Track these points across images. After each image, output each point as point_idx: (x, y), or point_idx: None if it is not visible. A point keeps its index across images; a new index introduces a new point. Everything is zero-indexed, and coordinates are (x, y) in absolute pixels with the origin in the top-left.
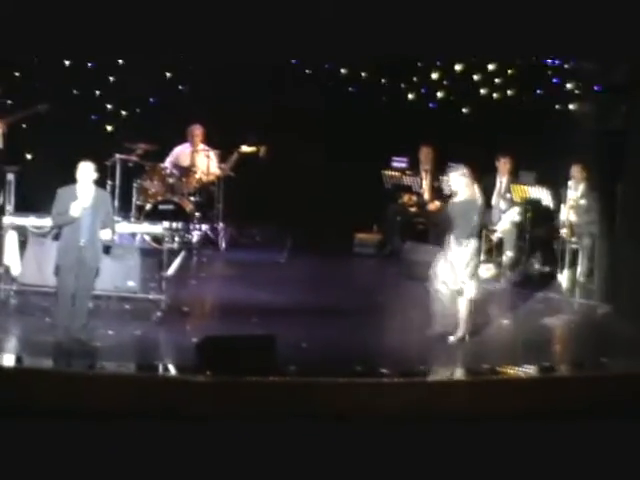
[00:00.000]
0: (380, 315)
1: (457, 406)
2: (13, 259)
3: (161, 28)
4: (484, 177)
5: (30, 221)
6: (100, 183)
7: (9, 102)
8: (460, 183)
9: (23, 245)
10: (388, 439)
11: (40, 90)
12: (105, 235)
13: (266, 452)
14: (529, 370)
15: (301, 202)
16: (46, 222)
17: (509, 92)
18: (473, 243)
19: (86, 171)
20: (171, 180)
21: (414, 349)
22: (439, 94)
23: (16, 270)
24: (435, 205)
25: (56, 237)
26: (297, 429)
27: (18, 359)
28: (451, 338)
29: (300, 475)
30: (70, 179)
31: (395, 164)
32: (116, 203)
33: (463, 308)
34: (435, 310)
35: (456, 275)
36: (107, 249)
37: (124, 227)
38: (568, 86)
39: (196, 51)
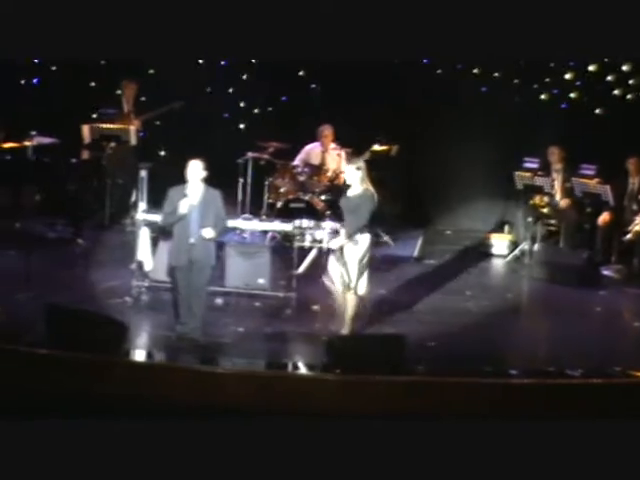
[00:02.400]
0: (510, 316)
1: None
2: (146, 255)
3: (292, 27)
4: (616, 179)
5: None
6: (232, 181)
7: (144, 99)
8: (355, 177)
9: (155, 241)
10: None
11: (174, 88)
12: (207, 233)
13: (391, 450)
14: None
15: (432, 201)
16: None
17: None
18: (365, 239)
19: (195, 169)
20: (302, 178)
21: (543, 349)
22: (572, 95)
23: (148, 266)
24: (566, 202)
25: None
26: (421, 428)
27: (148, 354)
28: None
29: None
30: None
31: (527, 165)
32: (247, 201)
33: (351, 305)
34: (335, 309)
35: (346, 272)
36: (220, 247)
37: (255, 225)
38: None
39: (328, 50)
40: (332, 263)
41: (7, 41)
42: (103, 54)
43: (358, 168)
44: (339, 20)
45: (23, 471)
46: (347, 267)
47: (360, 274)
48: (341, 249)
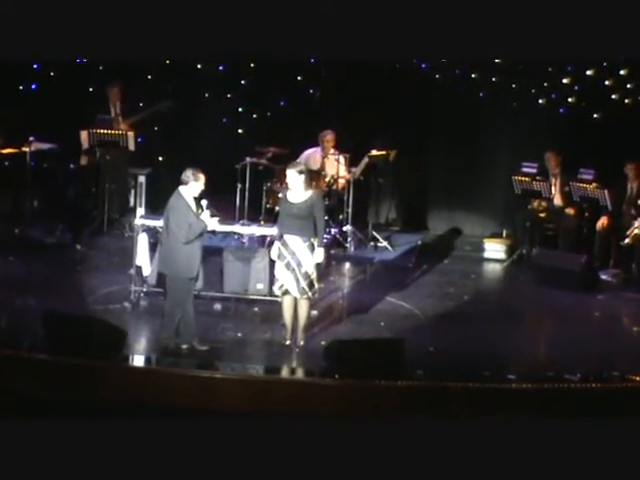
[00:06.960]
0: (508, 321)
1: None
2: (144, 260)
3: (289, 31)
4: (614, 183)
5: (161, 223)
6: (230, 186)
7: (141, 105)
8: (298, 181)
9: (154, 247)
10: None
11: (170, 93)
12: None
13: (390, 455)
14: None
15: (430, 206)
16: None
17: None
18: (318, 243)
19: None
20: None
21: (542, 355)
22: (570, 99)
23: (147, 271)
24: (565, 206)
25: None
26: (422, 432)
27: (147, 360)
28: (300, 344)
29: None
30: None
31: (525, 169)
32: (246, 206)
33: (303, 312)
34: (284, 318)
35: (298, 279)
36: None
37: (254, 230)
38: None
39: (326, 53)
40: (282, 270)
41: (6, 42)
42: (98, 56)
43: (300, 172)
44: (338, 21)
45: (21, 475)
46: (306, 272)
47: (315, 280)
48: (295, 255)
